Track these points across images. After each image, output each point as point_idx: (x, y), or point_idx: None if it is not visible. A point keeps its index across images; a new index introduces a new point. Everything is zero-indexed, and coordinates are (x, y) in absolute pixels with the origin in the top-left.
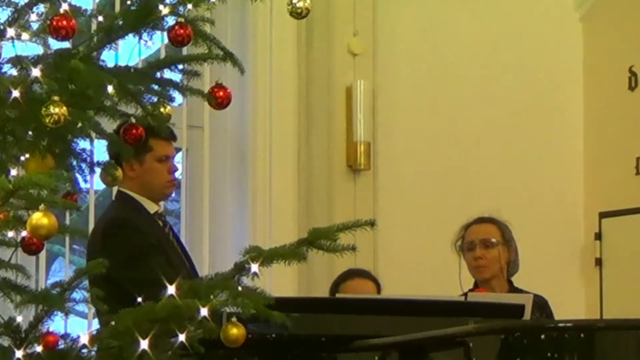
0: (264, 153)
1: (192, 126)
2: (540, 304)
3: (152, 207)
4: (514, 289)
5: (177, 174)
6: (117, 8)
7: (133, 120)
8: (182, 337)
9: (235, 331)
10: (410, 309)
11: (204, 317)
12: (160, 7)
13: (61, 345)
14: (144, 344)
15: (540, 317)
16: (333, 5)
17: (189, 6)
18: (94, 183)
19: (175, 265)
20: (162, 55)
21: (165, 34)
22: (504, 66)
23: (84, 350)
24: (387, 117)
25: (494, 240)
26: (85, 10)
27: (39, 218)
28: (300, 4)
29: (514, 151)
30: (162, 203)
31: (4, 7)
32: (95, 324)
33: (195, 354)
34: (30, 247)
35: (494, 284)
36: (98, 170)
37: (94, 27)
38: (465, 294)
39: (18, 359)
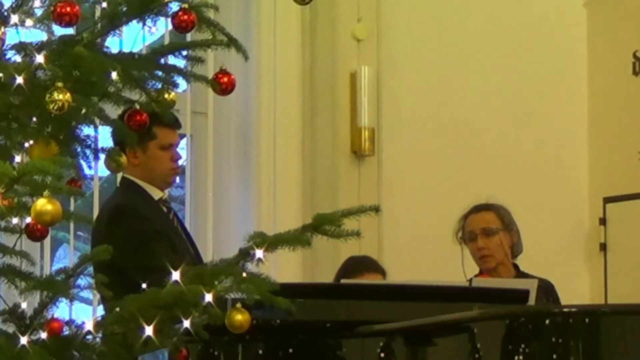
0: (268, 139)
1: (196, 112)
2: (547, 288)
3: (156, 194)
4: (520, 274)
5: (182, 161)
6: None
7: (137, 106)
8: (186, 323)
9: (240, 317)
10: (414, 295)
11: (209, 303)
12: None
13: (66, 331)
14: (149, 330)
15: (547, 301)
16: None
17: None
18: (99, 169)
19: (180, 251)
20: (166, 41)
21: (169, 20)
22: (508, 52)
23: (89, 337)
24: (391, 102)
25: (494, 227)
26: None
27: (44, 204)
28: None
29: (518, 137)
30: (166, 189)
31: None
32: (100, 310)
33: (199, 340)
34: (35, 233)
35: (501, 271)
36: (102, 156)
37: (97, 13)
38: (470, 280)
39: (23, 345)
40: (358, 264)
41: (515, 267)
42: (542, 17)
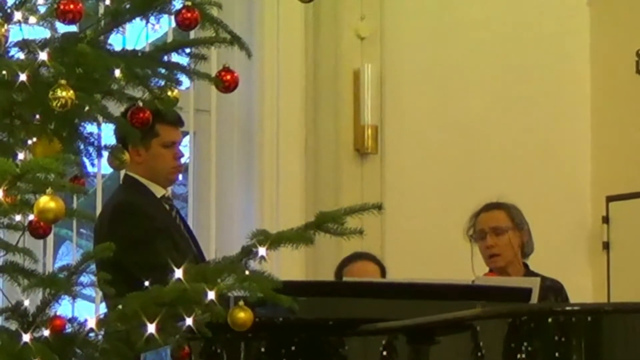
0: (271, 137)
1: (199, 110)
2: (556, 289)
3: (159, 191)
4: (529, 273)
5: (184, 158)
6: None
7: (140, 103)
8: (189, 321)
9: (243, 315)
10: (417, 293)
11: (211, 300)
12: None
13: (68, 329)
14: (151, 328)
15: (556, 301)
16: None
17: None
18: (102, 167)
19: (182, 249)
20: (170, 39)
21: (172, 17)
22: (511, 50)
23: (91, 334)
24: (394, 100)
25: (503, 226)
26: None
27: (47, 202)
28: None
29: (521, 135)
30: (169, 187)
31: None
32: (103, 308)
33: (202, 338)
34: (38, 230)
35: (510, 270)
36: (105, 153)
37: (101, 10)
38: (474, 280)
39: (25, 342)
40: (353, 255)
41: (525, 266)
42: (545, 16)
